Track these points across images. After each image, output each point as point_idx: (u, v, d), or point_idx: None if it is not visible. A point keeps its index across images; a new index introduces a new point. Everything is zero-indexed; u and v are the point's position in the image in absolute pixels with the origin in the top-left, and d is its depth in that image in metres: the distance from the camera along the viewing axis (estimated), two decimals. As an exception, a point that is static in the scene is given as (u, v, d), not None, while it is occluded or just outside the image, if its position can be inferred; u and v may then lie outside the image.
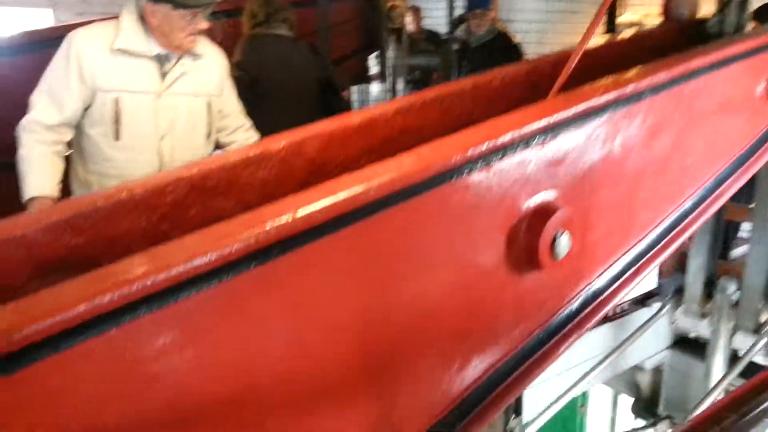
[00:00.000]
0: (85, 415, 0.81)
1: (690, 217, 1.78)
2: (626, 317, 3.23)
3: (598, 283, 1.55)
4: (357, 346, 1.11)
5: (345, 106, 3.68)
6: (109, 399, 0.83)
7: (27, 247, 1.11)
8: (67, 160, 2.22)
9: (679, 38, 2.20)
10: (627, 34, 2.47)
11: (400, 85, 3.76)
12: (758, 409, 0.80)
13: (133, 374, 0.84)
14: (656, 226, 1.68)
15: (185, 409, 0.90)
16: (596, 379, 3.11)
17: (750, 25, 2.19)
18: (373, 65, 4.63)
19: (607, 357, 2.99)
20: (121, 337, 0.82)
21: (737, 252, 3.59)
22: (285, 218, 0.95)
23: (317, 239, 0.99)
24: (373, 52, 4.51)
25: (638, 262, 1.65)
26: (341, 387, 1.09)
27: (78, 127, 2.18)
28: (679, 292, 3.33)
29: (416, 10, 5.35)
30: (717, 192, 1.84)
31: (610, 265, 1.57)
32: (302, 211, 0.97)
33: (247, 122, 2.53)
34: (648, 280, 3.30)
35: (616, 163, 1.48)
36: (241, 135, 2.50)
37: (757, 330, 3.02)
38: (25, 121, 2.11)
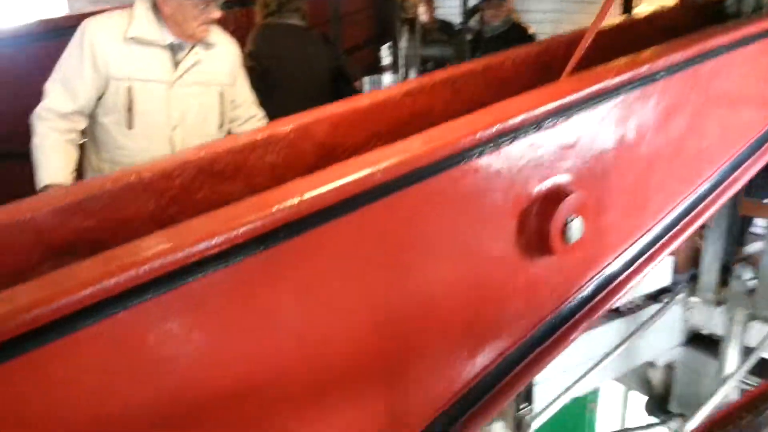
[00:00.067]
0: (91, 401, 0.81)
1: (706, 202, 1.75)
2: (639, 312, 3.20)
3: (611, 268, 1.53)
4: (365, 332, 1.10)
5: (357, 97, 3.66)
6: (114, 384, 0.83)
7: (37, 230, 1.11)
8: (81, 148, 2.23)
9: (696, 18, 2.15)
10: (643, 12, 2.43)
11: (413, 75, 3.73)
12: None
13: (140, 358, 0.84)
14: (671, 211, 1.66)
15: (192, 394, 0.90)
16: (608, 374, 3.10)
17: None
18: (385, 56, 4.59)
19: (617, 349, 2.97)
20: (127, 320, 0.82)
21: (750, 249, 3.53)
22: (292, 202, 0.94)
23: (325, 223, 0.99)
24: (385, 42, 4.47)
25: (653, 247, 1.63)
26: (348, 374, 1.09)
27: (92, 116, 2.19)
28: (693, 280, 3.29)
29: (429, 0, 5.29)
30: (733, 176, 1.81)
31: (624, 251, 1.55)
32: (309, 195, 0.96)
33: (259, 112, 2.52)
34: (662, 276, 3.26)
35: (630, 146, 1.46)
36: (254, 125, 2.49)
37: (774, 319, 2.98)
38: (39, 109, 2.12)
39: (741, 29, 1.68)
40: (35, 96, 2.13)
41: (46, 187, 2.06)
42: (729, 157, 1.79)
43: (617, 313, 3.10)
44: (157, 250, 0.84)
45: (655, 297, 3.31)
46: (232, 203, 0.97)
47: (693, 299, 3.30)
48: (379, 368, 1.14)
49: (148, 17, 2.13)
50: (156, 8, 2.14)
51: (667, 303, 3.19)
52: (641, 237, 1.59)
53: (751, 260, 3.10)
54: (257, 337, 0.96)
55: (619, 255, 1.54)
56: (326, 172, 1.03)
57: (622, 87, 1.37)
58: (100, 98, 2.14)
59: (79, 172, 2.21)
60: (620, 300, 2.75)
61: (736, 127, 1.79)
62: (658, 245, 1.64)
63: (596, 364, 2.86)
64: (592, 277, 1.49)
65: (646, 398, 3.62)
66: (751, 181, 1.91)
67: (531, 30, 4.20)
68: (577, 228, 1.29)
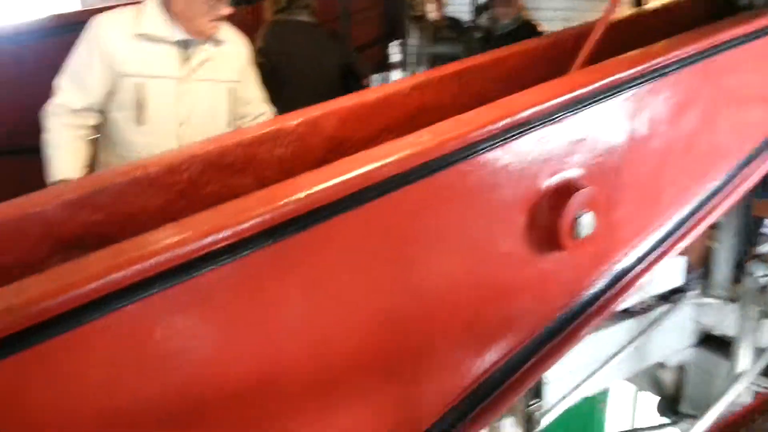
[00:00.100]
0: (98, 394, 0.81)
1: (719, 198, 1.73)
2: (650, 313, 3.18)
3: (622, 264, 1.52)
4: (373, 326, 1.10)
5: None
6: (121, 377, 0.83)
7: (45, 223, 1.12)
8: (92, 144, 2.24)
9: (707, 10, 2.12)
10: (653, 5, 2.40)
11: (422, 73, 3.72)
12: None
13: (147, 352, 0.84)
14: (684, 206, 1.64)
15: (198, 388, 0.90)
16: (619, 374, 3.08)
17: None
18: (394, 53, 4.57)
19: (628, 348, 2.94)
20: (134, 314, 0.82)
21: (763, 249, 3.49)
22: (300, 195, 0.94)
23: (333, 217, 0.98)
24: (394, 40, 4.45)
25: (664, 243, 1.61)
26: (356, 369, 1.08)
27: (102, 111, 2.19)
28: (705, 280, 3.26)
29: (439, -3, 5.26)
30: (746, 170, 1.79)
31: (635, 246, 1.54)
32: (317, 189, 0.95)
33: (268, 110, 2.52)
34: (674, 277, 3.24)
35: (641, 141, 1.45)
36: None
37: (788, 318, 2.95)
38: (49, 105, 2.13)
39: (754, 22, 1.66)
40: (49, 91, 2.14)
41: (57, 182, 2.07)
42: (742, 153, 1.77)
43: (628, 313, 3.08)
44: (164, 243, 0.84)
45: (666, 298, 3.29)
46: (241, 197, 0.97)
47: (705, 299, 3.27)
48: (388, 363, 1.14)
49: (157, 14, 2.14)
50: (166, 5, 2.14)
51: (679, 302, 3.17)
52: (652, 233, 1.58)
53: (764, 258, 3.07)
54: (264, 331, 0.96)
55: (630, 251, 1.53)
56: (334, 166, 1.03)
57: (633, 81, 1.35)
58: (110, 94, 2.15)
59: (91, 168, 2.22)
60: (631, 298, 2.75)
61: (750, 121, 1.77)
62: (669, 241, 1.62)
63: (606, 364, 2.84)
64: (603, 273, 1.47)
65: (655, 399, 3.60)
66: (765, 181, 1.88)
67: (541, 28, 4.17)
68: (587, 223, 1.28)
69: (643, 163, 1.48)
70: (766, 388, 2.90)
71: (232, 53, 2.32)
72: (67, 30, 2.52)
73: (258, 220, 0.90)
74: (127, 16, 2.14)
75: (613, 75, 1.32)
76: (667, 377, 3.50)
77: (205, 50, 2.21)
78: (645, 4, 3.13)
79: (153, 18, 2.13)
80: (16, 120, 2.47)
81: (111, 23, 2.12)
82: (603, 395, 4.84)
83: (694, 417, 3.16)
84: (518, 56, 1.79)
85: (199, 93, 2.22)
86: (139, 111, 2.14)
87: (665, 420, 3.45)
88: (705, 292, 3.27)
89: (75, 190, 1.19)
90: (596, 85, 1.28)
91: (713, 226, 2.95)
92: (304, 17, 3.26)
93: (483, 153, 1.14)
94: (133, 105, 2.14)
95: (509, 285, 1.30)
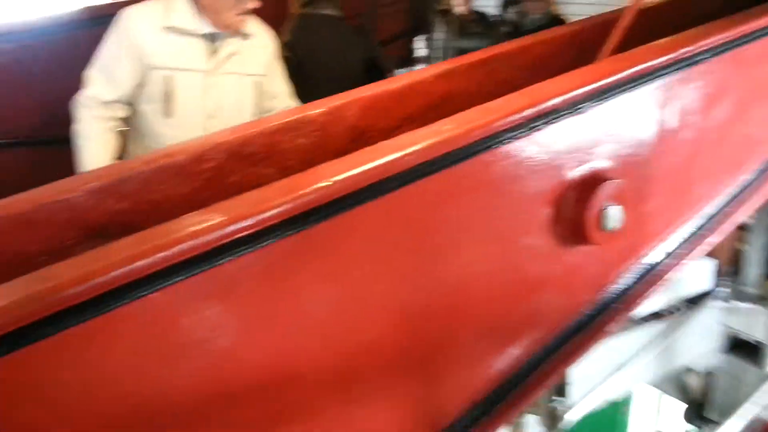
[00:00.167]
0: (120, 383, 0.82)
1: (750, 191, 1.68)
2: (679, 316, 3.12)
3: (650, 258, 1.49)
4: (395, 319, 1.09)
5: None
6: (143, 366, 0.84)
7: (71, 211, 1.13)
8: (121, 135, 2.26)
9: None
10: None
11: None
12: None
13: (169, 340, 0.85)
14: (714, 200, 1.60)
15: (219, 379, 0.90)
16: (645, 377, 3.03)
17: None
18: (419, 48, 4.54)
19: (654, 351, 2.90)
20: (157, 301, 0.82)
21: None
22: (322, 185, 0.93)
23: (355, 207, 0.98)
24: (420, 34, 4.42)
25: (693, 237, 1.58)
26: (378, 362, 1.08)
27: (131, 104, 2.22)
28: (734, 282, 3.19)
29: (466, -9, 5.20)
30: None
31: (663, 240, 1.51)
32: (339, 178, 0.95)
33: (294, 104, 2.52)
34: (704, 280, 3.18)
35: (671, 132, 1.41)
36: None
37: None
38: (80, 97, 2.16)
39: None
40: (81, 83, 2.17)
41: (87, 173, 2.10)
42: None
43: (656, 316, 3.03)
44: (187, 231, 0.84)
45: (695, 301, 3.23)
46: (263, 186, 0.97)
47: (734, 303, 3.20)
48: (410, 356, 1.13)
49: (186, 7, 2.15)
50: None
51: (707, 306, 3.10)
52: (681, 227, 1.54)
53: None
54: (285, 321, 0.96)
55: (658, 245, 1.50)
56: (356, 156, 1.02)
57: (663, 69, 1.32)
58: (139, 87, 2.17)
59: (121, 159, 2.25)
60: (659, 302, 2.70)
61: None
62: (698, 236, 1.58)
63: (632, 366, 2.80)
64: (630, 268, 1.45)
65: (680, 404, 3.55)
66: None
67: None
68: (613, 216, 1.25)
69: (673, 155, 1.45)
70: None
71: (259, 47, 2.32)
72: (100, 22, 2.55)
73: (280, 209, 0.90)
74: (156, 8, 2.16)
75: (642, 63, 1.29)
76: (694, 382, 3.45)
77: (232, 44, 2.22)
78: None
79: (181, 11, 2.15)
80: (52, 112, 2.50)
81: (140, 16, 2.14)
82: (626, 401, 4.78)
83: (720, 424, 3.12)
84: (545, 44, 1.77)
85: (225, 86, 2.23)
86: (167, 103, 2.16)
87: (690, 427, 3.40)
88: (734, 296, 3.20)
89: (101, 178, 1.20)
90: (626, 73, 1.26)
91: (743, 228, 2.88)
92: (329, 11, 3.26)
93: (508, 143, 1.12)
94: (161, 97, 2.16)
95: (534, 278, 1.28)
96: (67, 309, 0.76)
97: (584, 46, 1.76)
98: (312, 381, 1.00)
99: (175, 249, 0.82)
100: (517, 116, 1.11)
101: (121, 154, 2.30)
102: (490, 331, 1.23)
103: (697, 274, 3.06)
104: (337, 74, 3.22)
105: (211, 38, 2.18)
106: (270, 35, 2.39)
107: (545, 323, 1.31)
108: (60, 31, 3.04)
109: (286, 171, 1.26)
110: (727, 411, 3.13)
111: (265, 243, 0.90)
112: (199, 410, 0.89)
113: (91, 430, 0.81)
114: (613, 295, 1.42)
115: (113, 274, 0.78)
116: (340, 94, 1.47)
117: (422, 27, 4.24)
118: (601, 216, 1.24)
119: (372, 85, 1.53)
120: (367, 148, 1.04)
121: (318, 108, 1.42)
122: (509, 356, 1.26)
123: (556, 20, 3.97)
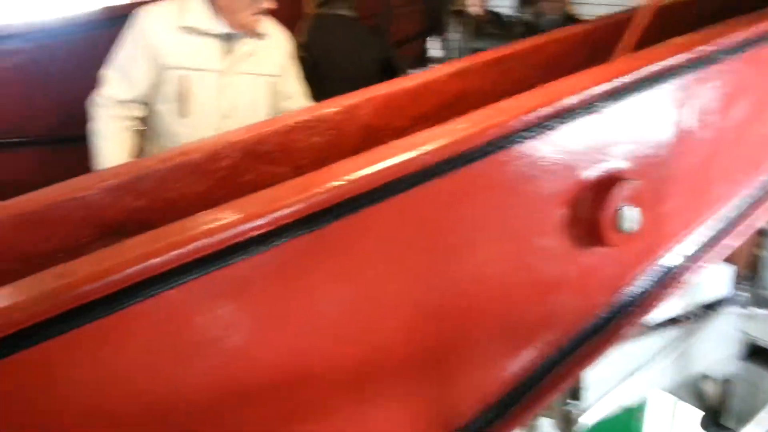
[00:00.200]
0: (133, 380, 0.82)
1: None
2: (696, 322, 3.09)
3: (667, 261, 1.47)
4: (409, 320, 1.08)
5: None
6: (157, 364, 0.84)
7: (88, 209, 1.14)
8: (138, 135, 2.28)
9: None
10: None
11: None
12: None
13: (183, 338, 0.85)
14: (733, 201, 1.57)
15: (232, 378, 0.90)
16: (661, 383, 3.01)
17: None
18: (434, 48, 4.53)
19: (671, 356, 2.86)
20: (171, 299, 0.82)
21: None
22: (335, 184, 0.93)
23: (369, 206, 0.97)
24: (434, 35, 4.41)
25: (711, 240, 1.55)
26: (392, 362, 1.07)
27: (147, 103, 2.23)
28: (753, 287, 3.15)
29: (481, -8, 5.18)
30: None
31: (681, 242, 1.49)
32: (353, 177, 0.95)
33: (309, 105, 2.52)
34: (722, 286, 3.14)
35: (688, 132, 1.39)
36: None
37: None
38: (96, 96, 2.18)
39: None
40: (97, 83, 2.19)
41: (103, 173, 2.12)
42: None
43: (673, 322, 3.00)
44: (201, 229, 0.84)
45: (713, 307, 3.19)
46: (276, 185, 0.97)
47: (753, 309, 3.16)
48: (424, 357, 1.12)
49: (201, 7, 2.16)
50: None
51: (725, 312, 3.07)
52: (699, 229, 1.52)
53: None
54: (299, 320, 0.96)
55: (676, 247, 1.48)
56: (370, 155, 1.02)
57: (680, 68, 1.30)
58: (155, 86, 2.18)
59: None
60: (676, 307, 2.67)
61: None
62: (716, 238, 1.56)
63: (649, 371, 2.77)
64: (647, 270, 1.43)
65: (695, 411, 3.51)
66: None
67: (586, 24, 4.08)
68: (629, 217, 1.24)
69: (690, 155, 1.43)
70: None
71: (274, 47, 2.33)
72: (117, 23, 2.57)
73: (293, 208, 0.89)
74: (171, 8, 2.17)
75: (658, 62, 1.27)
76: (711, 389, 3.41)
77: (247, 44, 2.23)
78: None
79: (197, 11, 2.16)
80: (70, 111, 2.53)
81: (156, 16, 2.15)
82: (641, 407, 4.73)
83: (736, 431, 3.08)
84: (558, 43, 1.75)
85: (240, 86, 2.24)
86: (183, 103, 2.17)
87: (708, 433, 3.35)
88: (752, 302, 3.16)
89: (118, 176, 1.21)
90: (643, 72, 1.24)
91: (761, 233, 2.85)
92: (344, 11, 3.27)
93: (522, 142, 1.11)
94: (177, 97, 2.17)
95: (548, 279, 1.27)
96: (81, 306, 0.77)
97: (597, 45, 1.75)
98: (325, 380, 1.00)
99: (190, 247, 0.82)
100: (532, 115, 1.10)
101: (138, 154, 2.32)
102: (505, 332, 1.22)
103: (714, 279, 3.03)
104: (352, 75, 3.23)
105: (227, 38, 2.19)
106: (285, 36, 2.39)
107: (560, 325, 1.30)
108: (78, 31, 3.07)
109: (300, 170, 1.26)
110: (745, 419, 3.09)
111: (278, 242, 0.89)
112: (212, 409, 0.89)
113: (105, 428, 0.81)
114: (630, 298, 1.40)
115: (127, 271, 0.78)
116: (354, 93, 1.47)
117: (437, 28, 4.24)
118: (617, 217, 1.23)
119: (386, 83, 1.53)
120: (381, 147, 1.04)
121: (332, 107, 1.42)
122: (524, 358, 1.24)
123: (572, 20, 3.94)
